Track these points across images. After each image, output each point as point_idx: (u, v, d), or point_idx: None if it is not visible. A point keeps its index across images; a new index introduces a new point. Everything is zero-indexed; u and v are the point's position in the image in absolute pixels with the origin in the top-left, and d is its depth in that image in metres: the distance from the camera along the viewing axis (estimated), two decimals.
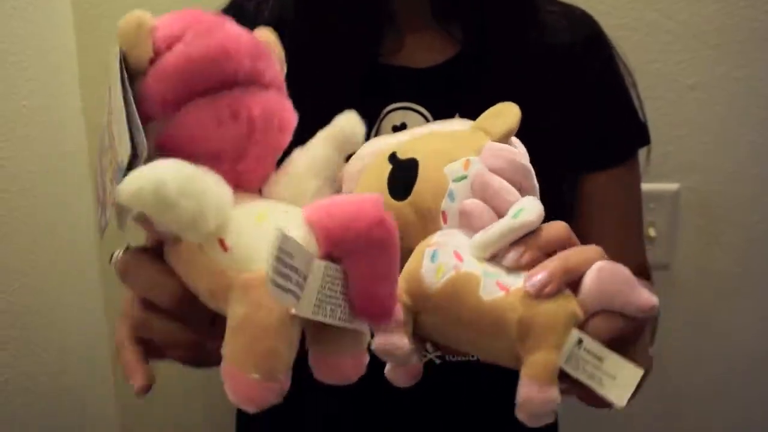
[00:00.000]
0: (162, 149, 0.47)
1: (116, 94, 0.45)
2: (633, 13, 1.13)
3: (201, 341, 0.50)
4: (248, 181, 0.49)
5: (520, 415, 0.49)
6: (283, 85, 0.52)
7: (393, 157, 0.57)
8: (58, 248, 1.12)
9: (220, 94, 0.47)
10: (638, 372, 0.50)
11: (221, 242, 0.44)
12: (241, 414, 0.96)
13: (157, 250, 0.49)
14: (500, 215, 0.53)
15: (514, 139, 0.59)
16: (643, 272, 0.87)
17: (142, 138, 0.44)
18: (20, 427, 1.04)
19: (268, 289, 0.40)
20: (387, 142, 0.59)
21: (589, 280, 0.50)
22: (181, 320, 0.49)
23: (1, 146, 0.99)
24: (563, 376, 0.48)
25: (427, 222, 0.54)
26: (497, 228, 0.52)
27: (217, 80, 0.47)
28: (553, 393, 0.48)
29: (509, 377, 0.50)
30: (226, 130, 0.47)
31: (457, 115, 0.79)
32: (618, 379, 0.49)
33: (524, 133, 0.78)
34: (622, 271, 0.50)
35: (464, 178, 0.54)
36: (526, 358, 0.48)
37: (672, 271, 1.21)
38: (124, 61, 0.46)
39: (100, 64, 1.19)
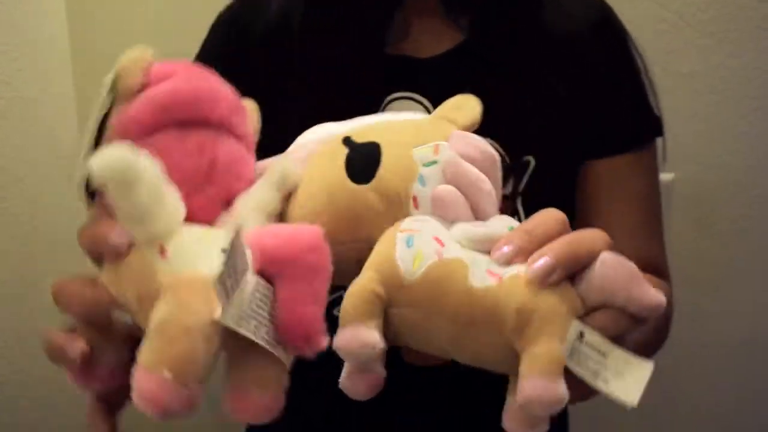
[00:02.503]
0: None
1: (97, 110, 0.49)
2: (628, 2, 1.12)
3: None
4: (200, 217, 0.50)
5: (513, 423, 0.45)
6: (252, 146, 0.55)
7: (348, 141, 0.53)
8: (52, 241, 1.12)
9: (193, 130, 0.50)
10: (648, 366, 0.45)
11: (161, 247, 0.45)
12: None
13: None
14: (474, 206, 0.51)
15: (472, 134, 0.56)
16: (655, 269, 0.83)
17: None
18: (19, 427, 1.04)
19: (217, 275, 0.41)
20: (334, 129, 0.56)
21: (592, 271, 0.45)
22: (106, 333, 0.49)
23: None
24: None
25: (395, 207, 0.50)
26: (490, 229, 0.49)
27: (194, 115, 0.50)
28: (563, 388, 0.43)
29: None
30: (189, 162, 0.49)
31: None
32: (626, 376, 0.44)
33: (530, 120, 0.78)
34: (628, 264, 0.46)
35: (435, 163, 0.51)
36: (527, 350, 0.44)
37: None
38: (115, 85, 0.49)
39: (93, 54, 1.19)
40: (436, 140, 0.52)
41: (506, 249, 0.47)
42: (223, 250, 0.41)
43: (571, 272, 0.45)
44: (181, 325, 0.42)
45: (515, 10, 0.80)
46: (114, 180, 0.44)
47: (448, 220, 0.50)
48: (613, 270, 0.45)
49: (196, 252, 0.45)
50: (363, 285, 0.47)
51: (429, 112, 0.77)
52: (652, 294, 0.45)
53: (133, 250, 0.46)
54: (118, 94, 0.49)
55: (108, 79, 0.49)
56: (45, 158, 1.10)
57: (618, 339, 0.46)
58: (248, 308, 0.44)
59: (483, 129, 0.77)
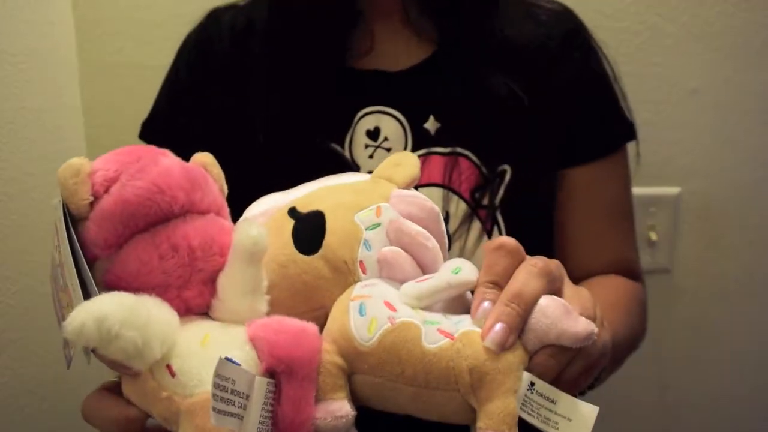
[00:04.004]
0: (110, 285, 0.49)
1: (65, 244, 0.48)
2: (635, 17, 1.13)
3: None
4: (197, 306, 0.51)
5: None
6: (223, 206, 0.55)
7: (293, 212, 0.55)
8: None
9: (159, 228, 0.50)
10: (594, 410, 0.48)
11: (169, 368, 0.47)
12: None
13: (114, 390, 0.52)
14: (420, 262, 0.53)
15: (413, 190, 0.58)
16: (628, 270, 0.86)
17: (93, 289, 0.48)
18: (21, 428, 1.03)
19: (211, 417, 0.42)
20: (280, 199, 0.57)
21: (531, 321, 0.48)
22: None
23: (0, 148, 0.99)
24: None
25: (344, 274, 0.52)
26: (435, 281, 0.51)
27: (155, 216, 0.49)
28: None
29: None
30: (167, 263, 0.50)
31: (431, 117, 0.79)
32: (574, 420, 0.47)
33: (503, 130, 0.79)
34: (559, 302, 0.48)
35: (378, 225, 0.53)
36: (482, 407, 0.46)
37: (673, 274, 1.21)
38: (67, 209, 0.49)
39: (99, 64, 1.19)
40: (376, 201, 0.54)
41: (486, 305, 0.48)
42: (212, 394, 0.42)
43: (521, 328, 0.48)
44: None
45: (484, 22, 0.80)
46: (91, 343, 0.45)
47: (397, 280, 0.52)
48: (546, 315, 0.48)
49: (202, 367, 0.45)
50: (324, 360, 0.49)
51: (401, 124, 0.78)
52: (581, 325, 0.47)
53: (145, 371, 0.48)
54: (72, 216, 0.49)
55: (58, 204, 0.49)
56: (52, 169, 1.10)
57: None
58: (264, 411, 0.45)
59: (457, 140, 0.78)
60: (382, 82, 0.81)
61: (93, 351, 0.49)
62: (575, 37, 0.84)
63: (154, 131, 0.88)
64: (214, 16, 0.88)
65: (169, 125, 0.87)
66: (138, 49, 1.17)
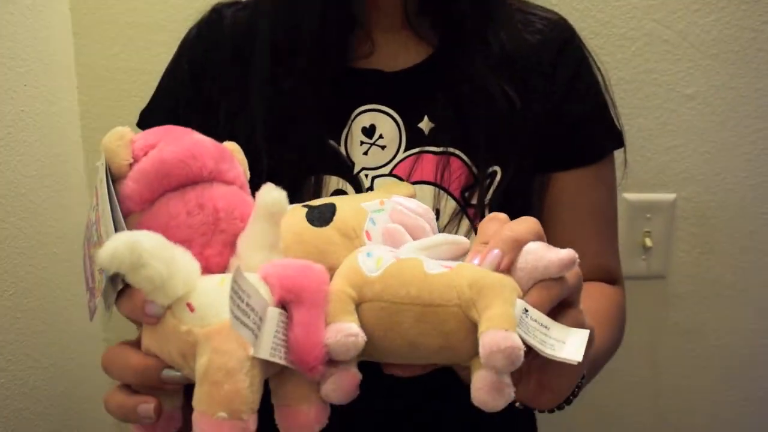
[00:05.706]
0: None
1: (104, 199, 0.53)
2: (632, 23, 1.14)
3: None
4: (216, 265, 0.56)
5: (480, 393, 0.49)
6: (246, 184, 0.60)
7: (306, 205, 0.61)
8: (54, 253, 1.12)
9: (188, 189, 0.55)
10: (585, 333, 0.52)
11: (189, 305, 0.51)
12: None
13: (134, 345, 0.55)
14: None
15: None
16: (609, 275, 0.87)
17: None
18: (17, 431, 1.04)
19: (231, 322, 0.45)
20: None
21: (521, 261, 0.53)
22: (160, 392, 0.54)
23: None
24: None
25: (352, 239, 0.58)
26: (433, 237, 0.58)
27: (186, 178, 0.55)
28: (518, 339, 0.48)
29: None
30: (194, 219, 0.55)
31: (425, 117, 0.81)
32: (568, 342, 0.51)
33: (495, 132, 0.80)
34: (537, 243, 0.54)
35: (382, 210, 0.61)
36: (483, 315, 0.50)
37: (668, 280, 1.21)
38: (109, 169, 0.54)
39: (97, 69, 1.19)
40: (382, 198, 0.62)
41: (476, 262, 0.54)
42: (230, 297, 0.46)
43: (515, 257, 0.53)
44: (222, 369, 0.48)
45: (481, 27, 0.82)
46: (122, 267, 0.49)
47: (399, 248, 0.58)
48: (530, 252, 0.53)
49: (219, 300, 0.49)
50: (334, 290, 0.53)
51: (396, 123, 0.79)
52: (562, 253, 0.52)
53: (166, 312, 0.51)
54: (112, 176, 0.54)
55: (101, 166, 0.54)
56: (50, 172, 1.10)
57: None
58: (276, 339, 0.49)
59: (449, 140, 0.79)
60: (379, 82, 0.82)
61: (116, 300, 0.53)
62: (569, 46, 0.85)
63: (152, 121, 0.89)
64: (216, 11, 0.89)
65: (167, 117, 0.87)
66: (135, 53, 1.18)
